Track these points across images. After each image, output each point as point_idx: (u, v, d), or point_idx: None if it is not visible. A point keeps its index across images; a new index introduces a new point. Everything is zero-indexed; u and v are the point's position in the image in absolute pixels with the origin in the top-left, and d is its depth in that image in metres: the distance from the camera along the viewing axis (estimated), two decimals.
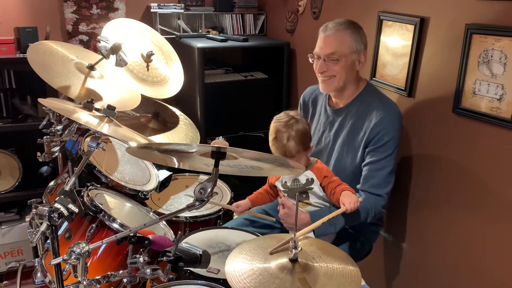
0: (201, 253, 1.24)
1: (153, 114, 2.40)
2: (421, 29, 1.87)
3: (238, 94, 2.97)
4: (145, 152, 1.31)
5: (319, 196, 1.72)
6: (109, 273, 1.27)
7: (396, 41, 2.02)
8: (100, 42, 1.89)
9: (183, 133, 2.39)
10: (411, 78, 1.94)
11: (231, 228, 1.90)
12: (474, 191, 1.72)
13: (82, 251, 1.15)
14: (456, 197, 1.81)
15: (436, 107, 1.85)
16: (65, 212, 1.19)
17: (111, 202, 1.64)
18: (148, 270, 1.22)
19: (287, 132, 1.62)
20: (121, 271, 1.28)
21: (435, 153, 1.89)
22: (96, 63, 1.90)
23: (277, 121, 1.67)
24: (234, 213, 2.02)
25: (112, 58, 1.87)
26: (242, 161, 1.13)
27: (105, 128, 1.28)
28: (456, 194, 1.81)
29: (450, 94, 1.75)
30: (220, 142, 1.07)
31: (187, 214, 2.05)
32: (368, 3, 2.20)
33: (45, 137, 1.92)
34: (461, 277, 1.82)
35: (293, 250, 1.22)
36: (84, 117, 1.29)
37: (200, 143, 2.34)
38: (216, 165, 1.07)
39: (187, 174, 2.40)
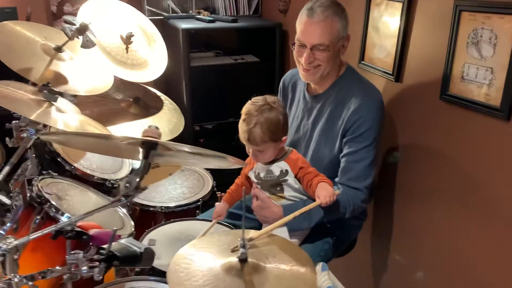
0: (142, 251, 1.14)
1: (134, 99, 2.29)
2: (409, 6, 1.70)
3: (228, 78, 2.84)
4: (84, 142, 1.20)
5: (294, 188, 1.60)
6: (46, 269, 1.19)
7: (384, 20, 1.86)
8: (65, 23, 1.79)
9: (166, 118, 2.28)
10: (399, 61, 1.78)
11: (204, 220, 1.80)
12: (462, 184, 1.58)
13: (9, 247, 1.06)
14: (443, 190, 1.67)
15: (423, 94, 1.69)
16: None
17: (69, 192, 1.55)
18: (84, 268, 1.13)
19: (256, 117, 1.49)
20: (59, 267, 1.19)
21: (422, 143, 1.75)
22: (63, 44, 1.81)
23: (252, 103, 1.54)
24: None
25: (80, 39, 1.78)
26: (177, 153, 1.02)
27: (37, 114, 1.18)
28: (443, 186, 1.67)
29: (438, 79, 1.60)
30: (151, 131, 0.97)
31: (163, 203, 1.96)
32: None
33: (13, 121, 1.85)
34: (449, 275, 1.69)
35: (241, 249, 1.11)
36: (20, 103, 1.19)
37: (185, 128, 2.24)
38: (146, 157, 0.96)
39: None
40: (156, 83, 3.07)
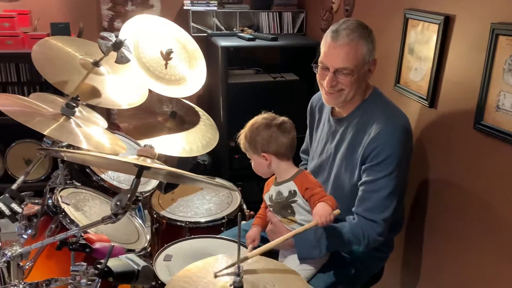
0: (139, 268, 1.14)
1: (171, 113, 2.34)
2: (445, 29, 1.60)
3: (265, 95, 2.82)
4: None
5: (305, 209, 1.52)
6: (50, 278, 1.22)
7: (420, 42, 1.76)
8: (101, 39, 1.87)
9: (200, 134, 2.31)
10: (434, 86, 1.68)
11: (225, 238, 1.78)
12: (494, 223, 1.44)
13: (14, 254, 1.11)
14: (474, 228, 1.53)
15: (457, 122, 1.58)
16: (7, 212, 1.16)
17: (89, 203, 1.59)
18: (84, 281, 1.15)
19: (249, 123, 1.61)
20: (63, 277, 1.22)
21: (455, 175, 1.62)
22: (100, 59, 1.89)
23: (262, 118, 1.60)
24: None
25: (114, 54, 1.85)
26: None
27: (51, 128, 1.23)
28: (474, 224, 1.53)
29: (472, 107, 1.48)
30: (145, 150, 0.96)
31: (188, 218, 1.98)
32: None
33: None
34: None
35: (235, 277, 1.07)
36: (36, 118, 1.24)
37: (220, 144, 2.25)
38: (138, 176, 0.96)
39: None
40: (199, 99, 3.14)
